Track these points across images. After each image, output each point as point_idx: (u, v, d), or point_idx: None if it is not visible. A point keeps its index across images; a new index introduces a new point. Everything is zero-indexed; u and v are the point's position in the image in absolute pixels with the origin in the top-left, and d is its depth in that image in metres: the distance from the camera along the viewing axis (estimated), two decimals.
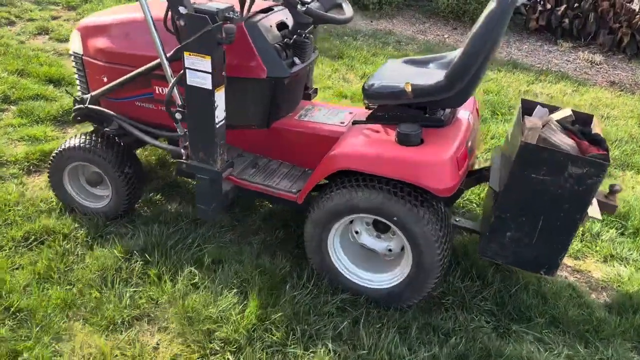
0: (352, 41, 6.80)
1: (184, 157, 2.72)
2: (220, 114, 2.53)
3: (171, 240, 2.94)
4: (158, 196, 3.40)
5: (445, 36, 7.55)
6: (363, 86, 2.67)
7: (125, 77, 2.87)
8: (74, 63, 3.16)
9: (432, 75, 2.66)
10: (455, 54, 2.77)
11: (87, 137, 3.01)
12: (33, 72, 4.89)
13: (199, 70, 2.41)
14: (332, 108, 3.18)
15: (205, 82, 2.42)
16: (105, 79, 3.01)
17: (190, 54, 2.40)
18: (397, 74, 2.76)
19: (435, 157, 2.38)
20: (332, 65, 5.89)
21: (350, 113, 3.08)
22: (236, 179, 2.85)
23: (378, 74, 2.77)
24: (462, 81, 2.39)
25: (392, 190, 2.41)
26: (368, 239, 2.71)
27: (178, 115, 2.61)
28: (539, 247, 2.50)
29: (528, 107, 2.74)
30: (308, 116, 3.05)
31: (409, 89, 2.48)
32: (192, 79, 2.45)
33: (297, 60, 2.84)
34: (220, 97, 2.50)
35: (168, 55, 2.60)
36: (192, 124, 2.59)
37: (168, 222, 3.13)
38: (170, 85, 2.55)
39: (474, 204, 3.57)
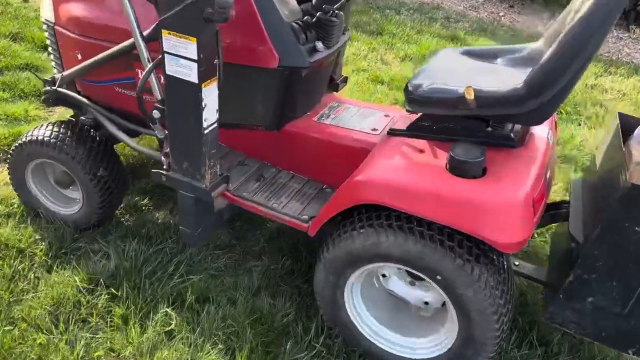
0: (395, 15, 6.01)
1: (164, 166, 2.09)
2: (210, 115, 1.88)
3: (149, 265, 2.34)
4: (145, 200, 2.79)
5: (501, 14, 6.66)
6: (406, 87, 1.97)
7: (101, 55, 2.24)
8: (46, 34, 2.55)
9: (503, 77, 1.95)
10: (535, 48, 2.04)
11: (53, 129, 2.40)
12: (28, 37, 4.31)
13: (181, 56, 1.75)
14: (363, 107, 2.49)
15: (190, 72, 1.77)
16: (79, 56, 2.39)
17: (169, 34, 1.74)
18: (453, 71, 2.05)
19: (502, 198, 1.68)
20: (370, 43, 5.14)
21: (387, 116, 2.38)
22: (232, 195, 2.21)
23: (427, 71, 2.06)
24: (551, 90, 1.67)
25: (436, 237, 1.73)
26: (398, 284, 2.04)
27: (156, 114, 1.97)
28: (631, 321, 1.81)
29: (626, 124, 2.01)
30: (331, 117, 2.37)
31: (471, 96, 1.77)
32: (173, 68, 1.80)
33: (320, 45, 2.15)
34: (210, 93, 1.84)
35: (145, 32, 1.95)
36: (173, 127, 1.95)
37: (151, 238, 2.52)
38: (145, 72, 1.90)
39: (534, 232, 2.85)
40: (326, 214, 1.96)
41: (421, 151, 1.90)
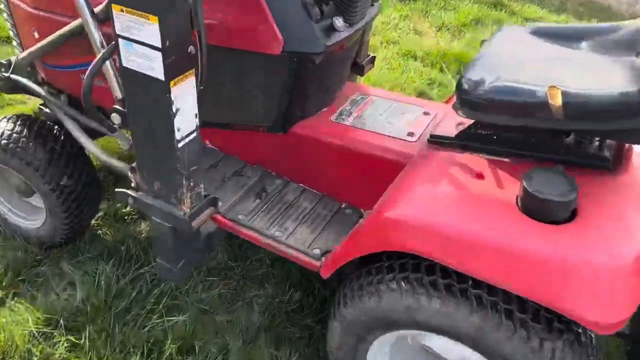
0: None
1: (132, 184, 1.60)
2: (185, 123, 1.36)
3: (123, 299, 1.88)
4: (128, 207, 2.32)
5: None
6: (459, 84, 1.41)
7: (57, 33, 1.74)
8: (1, 6, 2.06)
9: (597, 71, 1.38)
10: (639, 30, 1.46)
11: (6, 127, 1.93)
12: None
13: (139, 42, 1.23)
14: (395, 101, 1.93)
15: (153, 65, 1.25)
16: (36, 34, 1.89)
17: (122, 10, 1.22)
18: (524, 60, 1.49)
19: (603, 258, 1.14)
20: (401, 10, 4.50)
21: (426, 114, 1.83)
22: (224, 219, 1.71)
23: (487, 59, 1.49)
24: None
25: (502, 307, 1.21)
26: (438, 339, 1.53)
27: (115, 118, 1.46)
28: None
29: None
30: (353, 116, 1.83)
31: (557, 101, 1.22)
32: (130, 58, 1.28)
33: (339, 22, 1.60)
34: (184, 93, 1.32)
35: (97, 8, 1.43)
36: (137, 138, 1.45)
37: (131, 259, 2.06)
38: (93, 63, 1.38)
39: None
40: (344, 256, 1.45)
41: (479, 175, 1.36)
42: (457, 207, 1.27)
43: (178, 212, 1.50)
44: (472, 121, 1.48)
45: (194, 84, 1.35)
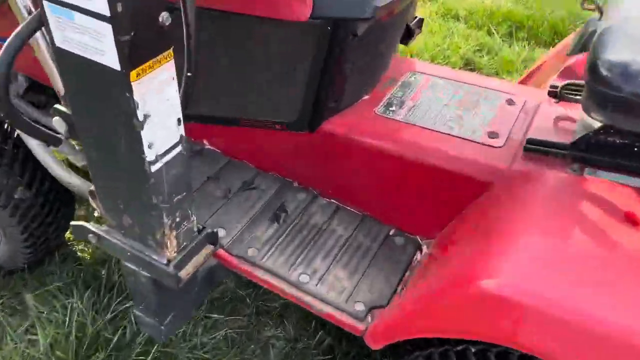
0: None
1: (95, 213, 1.12)
2: (161, 137, 0.86)
3: (99, 349, 1.43)
4: None
5: None
6: (593, 70, 0.89)
7: None
8: None
9: None
10: None
11: None
12: None
13: (77, 7, 0.73)
14: (462, 82, 1.41)
15: (101, 46, 0.74)
16: None
17: None
18: None
19: None
20: None
21: (510, 103, 1.31)
22: (228, 255, 1.23)
23: (629, 31, 0.96)
24: None
25: None
26: None
27: (59, 123, 0.96)
28: None
29: None
30: (406, 107, 1.31)
31: None
32: (65, 34, 0.78)
33: None
34: (157, 89, 0.82)
35: None
36: (90, 155, 0.95)
37: (112, 288, 1.60)
38: (11, 38, 0.87)
39: None
40: (407, 330, 0.97)
41: (630, 217, 0.85)
42: (614, 282, 0.77)
43: (158, 259, 1.03)
44: (581, 118, 0.98)
45: (174, 73, 0.84)
